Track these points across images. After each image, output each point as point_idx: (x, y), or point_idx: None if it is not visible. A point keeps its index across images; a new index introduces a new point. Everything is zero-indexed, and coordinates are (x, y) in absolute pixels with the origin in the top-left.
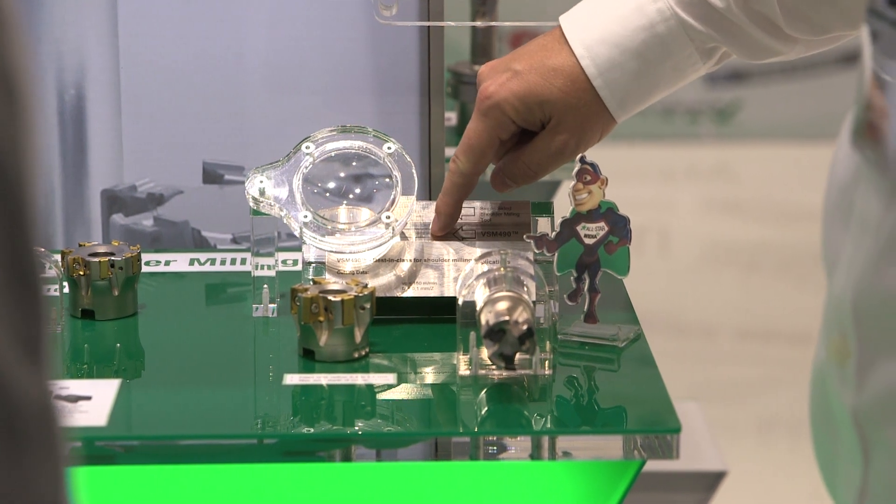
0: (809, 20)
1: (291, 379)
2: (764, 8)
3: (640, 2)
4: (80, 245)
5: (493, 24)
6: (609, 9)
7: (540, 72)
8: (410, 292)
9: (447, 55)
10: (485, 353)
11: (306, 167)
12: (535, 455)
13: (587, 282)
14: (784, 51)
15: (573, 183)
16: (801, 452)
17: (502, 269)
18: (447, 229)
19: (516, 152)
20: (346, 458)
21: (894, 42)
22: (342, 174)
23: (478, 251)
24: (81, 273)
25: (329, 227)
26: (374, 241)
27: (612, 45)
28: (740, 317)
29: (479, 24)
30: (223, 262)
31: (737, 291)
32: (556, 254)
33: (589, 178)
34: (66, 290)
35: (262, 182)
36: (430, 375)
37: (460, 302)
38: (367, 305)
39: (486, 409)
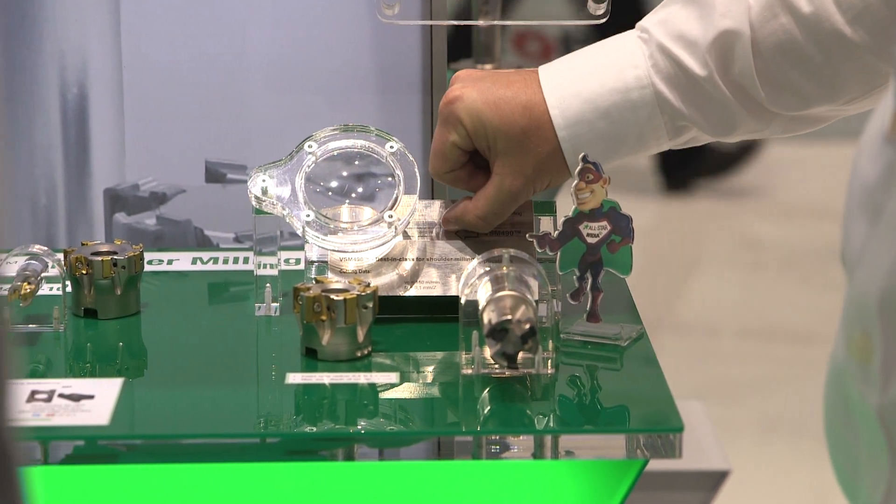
0: (792, 90)
1: (294, 378)
2: (744, 80)
3: (622, 64)
4: (82, 244)
5: (495, 23)
6: (589, 65)
7: (507, 102)
8: (413, 291)
9: (449, 54)
10: (487, 352)
11: (309, 166)
12: (538, 454)
13: (590, 281)
14: (759, 128)
15: (575, 182)
16: (803, 451)
17: (505, 268)
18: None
19: (467, 203)
20: (349, 457)
21: None
22: (345, 173)
23: (480, 250)
24: (84, 272)
25: (331, 226)
26: (377, 240)
27: (584, 100)
28: (743, 316)
29: (481, 23)
30: (226, 262)
31: (739, 290)
32: (559, 253)
33: (591, 177)
34: (69, 289)
35: (264, 181)
36: (432, 374)
37: (463, 301)
38: (370, 304)
39: (488, 408)
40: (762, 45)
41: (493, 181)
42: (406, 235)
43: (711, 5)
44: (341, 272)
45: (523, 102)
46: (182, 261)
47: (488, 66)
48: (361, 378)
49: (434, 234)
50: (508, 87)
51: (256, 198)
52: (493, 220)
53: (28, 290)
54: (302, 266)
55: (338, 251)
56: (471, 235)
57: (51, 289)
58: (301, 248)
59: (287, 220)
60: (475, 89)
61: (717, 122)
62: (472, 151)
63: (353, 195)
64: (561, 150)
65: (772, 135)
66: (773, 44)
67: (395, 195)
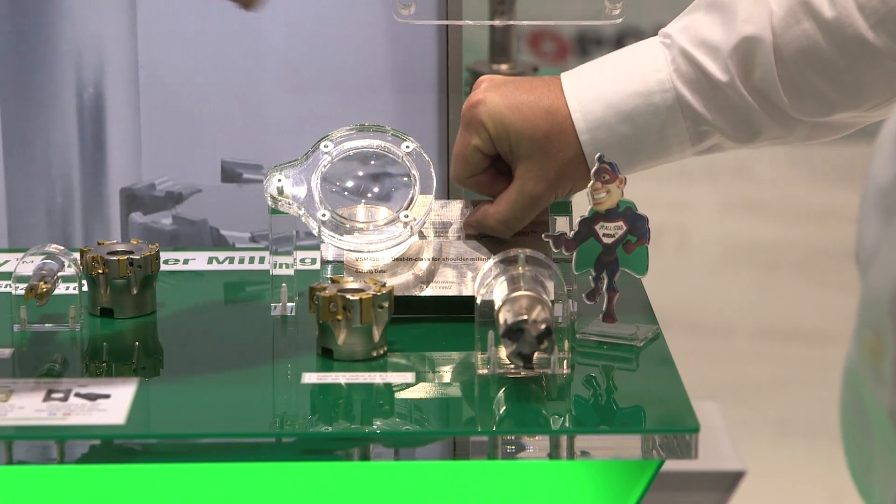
0: (815, 97)
1: (309, 378)
2: (766, 86)
3: (644, 68)
4: (98, 243)
5: (511, 23)
6: (611, 70)
7: (530, 106)
8: (428, 291)
9: (465, 54)
10: (503, 352)
11: (325, 166)
12: (554, 454)
13: (605, 281)
14: (782, 135)
15: (592, 182)
16: (819, 452)
17: (521, 268)
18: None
19: (487, 207)
20: (364, 456)
21: None
22: (360, 173)
23: (496, 250)
24: (100, 271)
25: (347, 226)
26: (393, 240)
27: (606, 104)
28: (758, 316)
29: (497, 23)
30: (241, 261)
31: (755, 291)
32: (575, 253)
33: (607, 177)
34: (85, 288)
35: (280, 181)
36: (448, 374)
37: (478, 301)
38: (385, 304)
39: (504, 408)
40: (784, 51)
41: (514, 185)
42: (422, 235)
43: (734, 11)
44: (357, 272)
45: (546, 107)
46: (198, 260)
47: (503, 67)
48: (377, 378)
49: (450, 233)
50: (531, 91)
51: (272, 197)
52: (513, 225)
53: (44, 290)
54: (318, 266)
55: (353, 251)
56: (486, 235)
57: (67, 288)
58: (317, 247)
59: (303, 220)
60: (498, 93)
61: (739, 128)
62: (495, 156)
63: (369, 195)
64: (583, 155)
65: (795, 141)
66: (796, 49)
67: (410, 195)
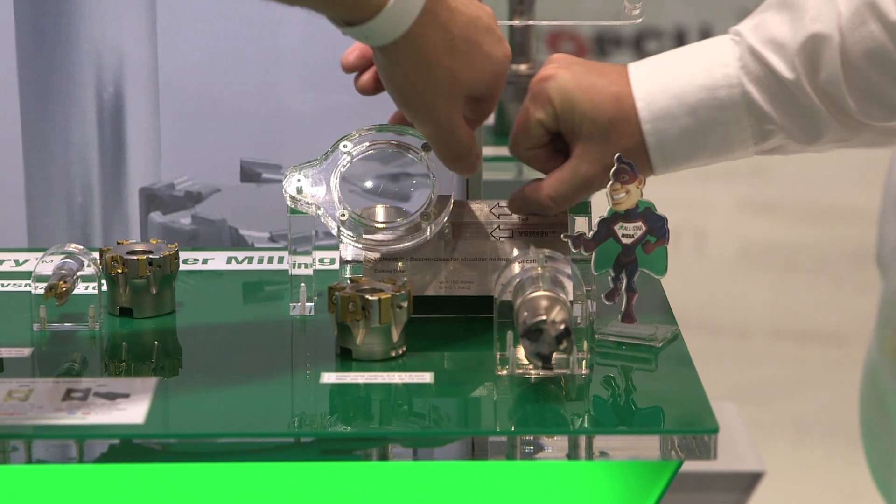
0: (880, 100)
1: (328, 378)
2: (832, 87)
3: (711, 62)
4: (118, 243)
5: (530, 22)
6: (678, 62)
7: (599, 90)
8: (447, 291)
9: None
10: (522, 352)
11: (344, 166)
12: (572, 455)
13: (625, 281)
14: (846, 137)
15: (611, 182)
16: (836, 452)
17: (540, 268)
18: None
19: (539, 182)
20: (383, 456)
21: None
22: (380, 173)
23: (515, 250)
24: (120, 271)
25: (366, 226)
26: (412, 240)
27: (672, 95)
28: (776, 317)
29: (516, 22)
30: (260, 261)
31: (772, 292)
32: (594, 253)
33: (627, 177)
34: (105, 287)
35: (299, 180)
36: (466, 374)
37: (497, 301)
38: (404, 304)
39: (522, 408)
40: (851, 53)
41: (570, 164)
42: (441, 235)
43: (803, 9)
44: (376, 272)
45: (614, 92)
46: (217, 260)
47: (523, 67)
48: (396, 378)
49: (469, 233)
50: (602, 75)
51: (291, 197)
52: (562, 203)
53: (64, 289)
54: (336, 266)
55: (372, 251)
56: (505, 236)
57: (86, 288)
58: (336, 247)
59: (322, 220)
60: (569, 72)
61: (803, 128)
62: (555, 133)
63: (388, 195)
64: (644, 146)
65: (859, 146)
66: (862, 51)
67: (429, 195)
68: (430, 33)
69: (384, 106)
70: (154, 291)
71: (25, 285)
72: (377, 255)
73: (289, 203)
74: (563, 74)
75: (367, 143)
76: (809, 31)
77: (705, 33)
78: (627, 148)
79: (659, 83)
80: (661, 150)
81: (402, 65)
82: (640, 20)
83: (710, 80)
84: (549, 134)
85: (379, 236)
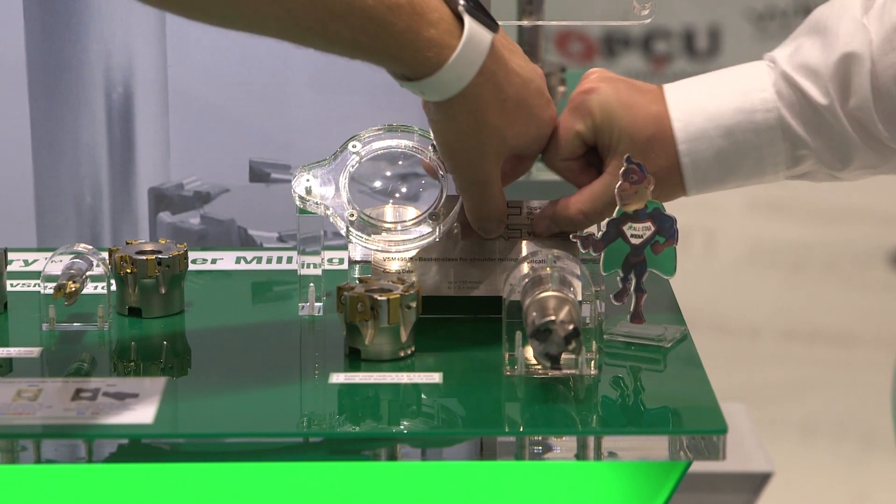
0: None
1: (337, 378)
2: (863, 114)
3: (748, 87)
4: (127, 243)
5: (539, 23)
6: (714, 85)
7: (639, 108)
8: (456, 291)
9: None
10: (530, 352)
11: (353, 166)
12: (581, 455)
13: (633, 282)
14: (876, 164)
15: (620, 183)
16: (845, 453)
17: (548, 268)
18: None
19: (567, 199)
20: (392, 457)
21: None
22: (388, 173)
23: (524, 250)
24: (129, 271)
25: (375, 226)
26: (420, 240)
27: (708, 117)
28: (784, 317)
29: (525, 23)
30: (269, 261)
31: (781, 292)
32: (603, 253)
33: (636, 178)
34: (114, 287)
35: (308, 181)
36: (475, 375)
37: (506, 301)
38: (413, 304)
39: (531, 408)
40: (881, 78)
41: (603, 179)
42: (450, 235)
43: (835, 35)
44: (384, 272)
45: (654, 112)
46: (226, 260)
47: None
48: (404, 378)
49: (478, 233)
50: (643, 94)
51: (300, 197)
52: (593, 218)
53: (73, 289)
54: (345, 266)
55: (381, 251)
56: (514, 236)
57: (95, 287)
58: (344, 247)
59: (331, 220)
60: (611, 87)
61: (835, 153)
62: (591, 147)
63: (397, 195)
64: (678, 167)
65: (888, 172)
66: (892, 76)
67: (438, 195)
68: (485, 92)
69: (393, 106)
70: (163, 291)
71: (35, 285)
72: (390, 267)
73: (298, 203)
74: (605, 89)
75: (378, 144)
76: (841, 56)
77: (714, 34)
78: (662, 167)
79: (695, 104)
80: (696, 172)
81: (454, 120)
82: (649, 20)
83: (746, 103)
84: (585, 146)
85: (387, 237)
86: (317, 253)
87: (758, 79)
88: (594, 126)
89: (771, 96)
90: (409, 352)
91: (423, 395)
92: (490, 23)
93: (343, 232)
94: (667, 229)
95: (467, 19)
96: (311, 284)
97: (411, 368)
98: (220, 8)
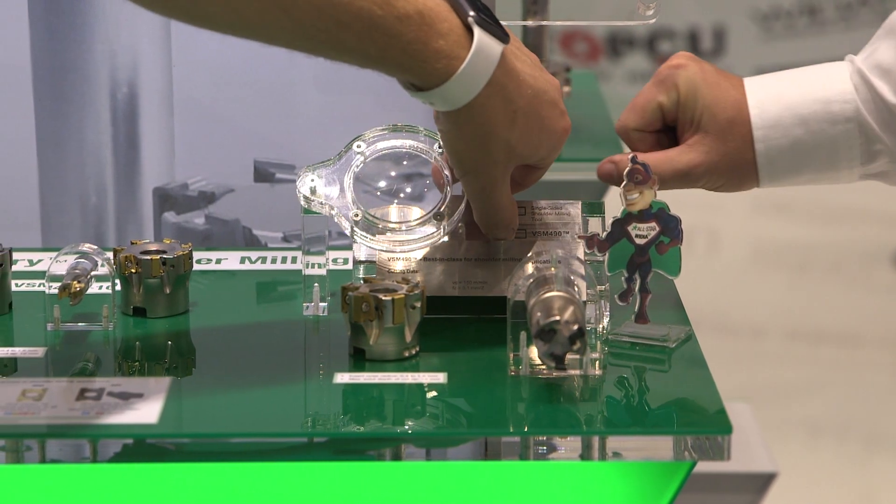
0: None
1: (342, 378)
2: None
3: (826, 79)
4: (131, 243)
5: (544, 23)
6: (793, 77)
7: (724, 90)
8: (461, 291)
9: None
10: (535, 352)
11: (357, 166)
12: (585, 455)
13: (638, 282)
14: None
15: (624, 183)
16: (850, 454)
17: (553, 268)
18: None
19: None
20: (396, 457)
21: None
22: (393, 173)
23: (529, 251)
24: (133, 271)
25: (380, 226)
26: (425, 240)
27: (785, 106)
28: (789, 317)
29: (530, 23)
30: (274, 261)
31: (786, 292)
32: (607, 254)
33: (640, 178)
34: (118, 287)
35: (313, 181)
36: (480, 375)
37: (511, 301)
38: (418, 304)
39: (536, 408)
40: None
41: (678, 148)
42: (454, 235)
43: None
44: (389, 272)
45: (735, 97)
46: (230, 260)
47: None
48: (409, 378)
49: (482, 233)
50: (727, 78)
51: (305, 197)
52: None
53: (78, 289)
54: (350, 266)
55: (386, 251)
56: (519, 236)
57: (100, 287)
58: (349, 247)
59: (335, 220)
60: (698, 66)
61: None
62: (668, 125)
63: (402, 195)
64: (752, 153)
65: None
66: None
67: (443, 195)
68: (494, 104)
69: (398, 106)
70: (167, 291)
71: (39, 285)
72: (395, 267)
73: (302, 203)
74: (692, 66)
75: (382, 144)
76: None
77: (718, 34)
78: (735, 152)
79: (773, 93)
80: (769, 160)
81: (461, 130)
82: (654, 21)
83: (823, 94)
84: (661, 120)
85: (392, 237)
86: (321, 253)
87: (836, 73)
88: (677, 100)
89: (848, 88)
90: (413, 352)
91: (427, 396)
92: (501, 34)
93: (347, 232)
94: (671, 229)
95: (477, 30)
96: (316, 284)
97: (416, 368)
98: (229, 18)
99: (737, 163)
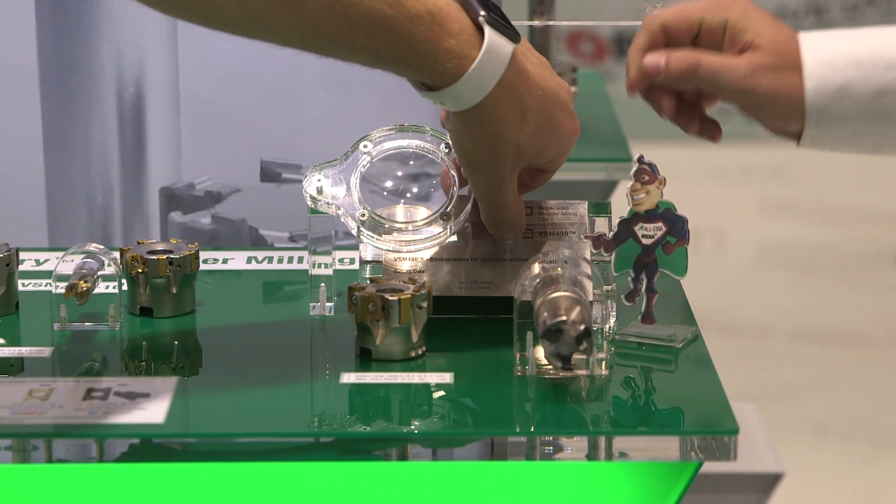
0: None
1: (348, 377)
2: None
3: (885, 30)
4: (138, 242)
5: (550, 23)
6: (850, 30)
7: (775, 25)
8: (467, 291)
9: None
10: (541, 352)
11: (364, 166)
12: (592, 455)
13: (644, 282)
14: None
15: (631, 183)
16: (856, 454)
17: (560, 268)
18: (635, 83)
19: (699, 55)
20: (402, 457)
21: None
22: (399, 173)
23: (535, 251)
24: (140, 270)
25: (386, 226)
26: (431, 240)
27: (839, 48)
28: (795, 318)
29: (536, 23)
30: (280, 261)
31: (792, 292)
32: (614, 254)
33: (647, 178)
34: (125, 287)
35: (319, 181)
36: (486, 375)
37: (517, 301)
38: (424, 304)
39: (542, 409)
40: None
41: (725, 56)
42: (461, 235)
43: None
44: (396, 272)
45: (789, 32)
46: (237, 260)
47: None
48: (415, 378)
49: (488, 233)
50: (780, 23)
51: (311, 197)
52: (694, 72)
53: (84, 289)
54: (356, 266)
55: (392, 251)
56: (525, 236)
57: (107, 287)
58: (356, 247)
59: (342, 220)
60: (750, 3)
61: None
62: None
63: (408, 195)
64: (801, 92)
65: None
66: None
67: (449, 195)
68: (504, 104)
69: (404, 106)
70: (174, 291)
71: (46, 285)
72: (401, 267)
73: (309, 203)
74: (744, 2)
75: (389, 144)
76: None
77: None
78: (790, 80)
79: (827, 37)
80: (819, 96)
81: (471, 130)
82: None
83: (880, 40)
84: (693, 39)
85: (398, 236)
86: (328, 253)
87: (893, 27)
88: (725, 23)
89: None
90: (419, 352)
91: (433, 396)
92: (512, 34)
93: (354, 232)
94: (678, 230)
95: (488, 30)
96: (322, 284)
97: (422, 368)
98: (240, 18)
99: (788, 91)
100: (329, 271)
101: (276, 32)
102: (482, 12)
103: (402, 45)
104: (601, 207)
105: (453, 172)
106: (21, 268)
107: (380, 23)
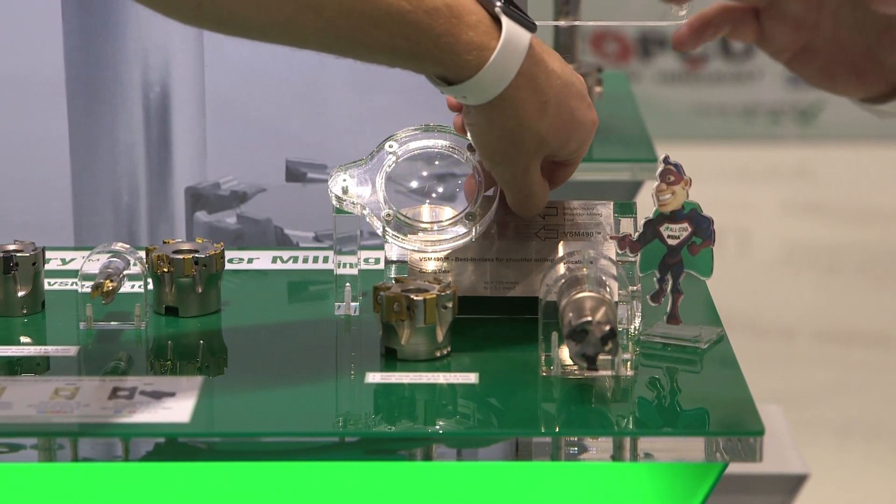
0: None
1: (373, 377)
2: None
3: None
4: (164, 242)
5: (576, 23)
6: None
7: None
8: (492, 292)
9: None
10: (566, 353)
11: (389, 166)
12: (617, 456)
13: (670, 283)
14: None
15: (657, 183)
16: (881, 455)
17: (585, 269)
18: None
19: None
20: (427, 457)
21: None
22: (425, 173)
23: (560, 251)
24: (165, 270)
25: (411, 226)
26: (457, 240)
27: None
28: (820, 318)
29: (562, 23)
30: (305, 260)
31: (817, 293)
32: (639, 254)
33: (672, 178)
34: (151, 286)
35: (345, 180)
36: (511, 375)
37: (542, 302)
38: (449, 304)
39: (567, 409)
40: None
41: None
42: (486, 236)
43: None
44: (421, 272)
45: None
46: (262, 259)
47: None
48: (440, 378)
49: (513, 233)
50: None
51: (337, 197)
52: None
53: (110, 288)
54: (382, 265)
55: (418, 251)
56: (550, 236)
57: (132, 286)
58: (381, 247)
59: (367, 220)
60: None
61: None
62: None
63: (434, 195)
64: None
65: None
66: None
67: (475, 195)
68: (525, 95)
69: (429, 106)
70: (200, 290)
71: (72, 284)
72: (427, 267)
73: (334, 203)
74: None
75: (414, 144)
76: None
77: None
78: (859, 48)
79: None
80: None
81: (493, 123)
82: (686, 21)
83: None
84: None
85: (423, 236)
86: (353, 253)
87: None
88: None
89: None
90: (445, 352)
91: (458, 396)
92: (527, 22)
93: (379, 232)
94: (704, 230)
95: (505, 20)
96: (348, 284)
97: (447, 368)
98: (260, 24)
99: (861, 66)
100: (354, 271)
101: (296, 35)
102: (498, 2)
103: (422, 39)
104: (626, 208)
105: (480, 175)
106: (47, 267)
107: (399, 18)
